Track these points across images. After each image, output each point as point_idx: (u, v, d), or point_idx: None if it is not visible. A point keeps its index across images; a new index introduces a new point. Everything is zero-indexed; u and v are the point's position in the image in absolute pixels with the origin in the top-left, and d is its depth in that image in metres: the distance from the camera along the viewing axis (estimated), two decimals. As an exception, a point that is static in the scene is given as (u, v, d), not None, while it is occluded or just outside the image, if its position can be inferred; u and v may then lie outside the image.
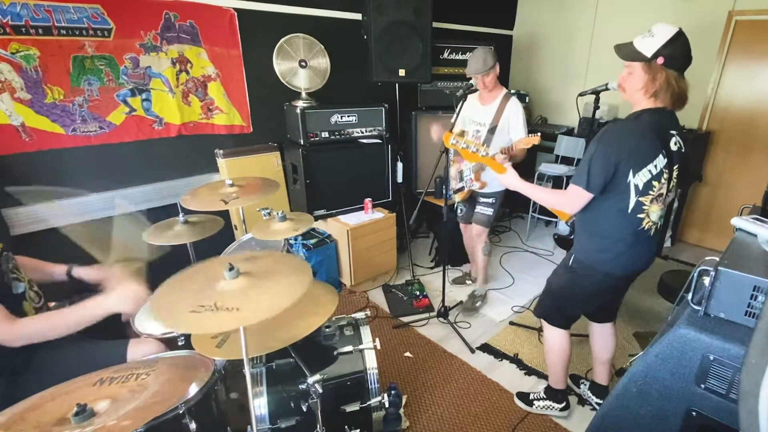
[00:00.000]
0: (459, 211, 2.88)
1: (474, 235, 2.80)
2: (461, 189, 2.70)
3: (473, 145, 1.86)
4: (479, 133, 2.59)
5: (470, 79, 2.43)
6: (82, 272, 1.62)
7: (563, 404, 1.98)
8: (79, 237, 1.65)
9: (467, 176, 2.62)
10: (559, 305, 1.78)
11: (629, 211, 1.48)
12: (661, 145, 1.44)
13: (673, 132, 1.50)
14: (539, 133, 2.21)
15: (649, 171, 1.43)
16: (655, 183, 1.46)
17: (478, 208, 2.69)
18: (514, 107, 2.49)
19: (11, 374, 1.36)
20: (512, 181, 1.75)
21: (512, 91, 2.60)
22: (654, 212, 1.52)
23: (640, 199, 1.47)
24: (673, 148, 1.49)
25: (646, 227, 1.53)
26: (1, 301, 1.30)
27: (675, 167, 1.53)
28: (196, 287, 1.15)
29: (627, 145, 1.41)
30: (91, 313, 1.37)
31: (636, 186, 1.44)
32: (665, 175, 1.48)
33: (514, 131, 2.50)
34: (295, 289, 1.10)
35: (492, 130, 2.53)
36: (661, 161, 1.44)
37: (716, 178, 3.72)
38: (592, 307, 1.84)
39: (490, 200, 2.64)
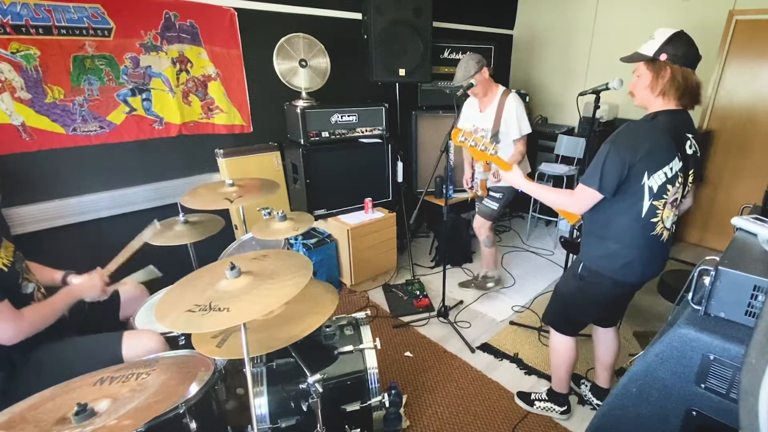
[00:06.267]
0: (478, 208, 2.91)
1: (475, 227, 2.84)
2: (472, 188, 2.75)
3: (482, 144, 1.83)
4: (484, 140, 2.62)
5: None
6: (74, 280, 1.64)
7: (564, 407, 1.97)
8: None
9: (476, 181, 2.67)
10: (567, 313, 1.76)
11: (643, 215, 1.43)
12: (676, 147, 1.41)
13: (689, 135, 1.47)
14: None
15: (665, 173, 1.40)
16: (669, 186, 1.42)
17: (485, 200, 2.73)
18: (509, 106, 2.49)
19: (10, 368, 1.37)
20: (517, 179, 1.72)
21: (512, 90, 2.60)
22: (668, 218, 1.48)
23: (654, 202, 1.42)
24: (689, 151, 1.47)
25: (659, 233, 1.48)
26: (11, 300, 1.31)
27: (690, 171, 1.51)
28: (202, 286, 1.16)
29: (642, 146, 1.36)
30: (64, 300, 1.48)
31: (650, 188, 1.40)
32: (680, 179, 1.44)
33: (511, 133, 2.51)
34: (289, 291, 1.10)
35: (494, 137, 2.56)
36: (676, 164, 1.41)
37: (717, 177, 3.72)
38: (600, 313, 1.81)
39: (498, 195, 2.68)
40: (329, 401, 1.47)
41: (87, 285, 1.56)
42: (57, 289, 1.63)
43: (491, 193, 2.70)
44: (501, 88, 2.56)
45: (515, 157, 2.51)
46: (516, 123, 2.48)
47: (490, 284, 3.05)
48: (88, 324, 1.68)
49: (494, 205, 2.70)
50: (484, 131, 2.61)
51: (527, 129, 2.51)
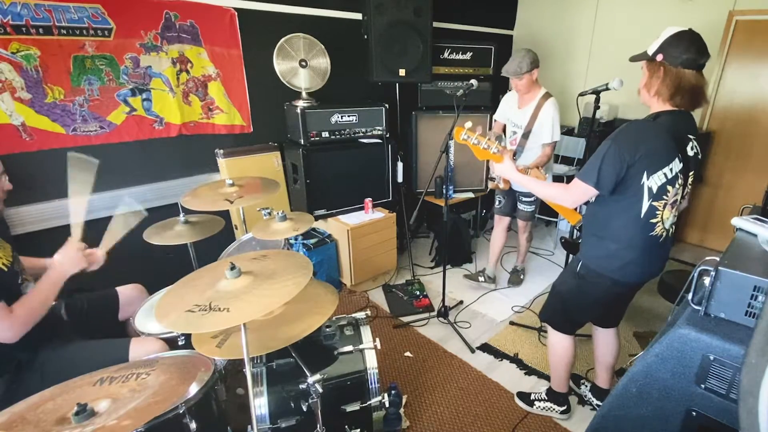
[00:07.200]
0: (497, 203, 2.98)
1: (520, 228, 3.03)
2: (494, 179, 2.77)
3: (484, 142, 1.82)
4: (515, 135, 2.71)
5: (471, 78, 2.44)
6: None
7: (564, 407, 1.97)
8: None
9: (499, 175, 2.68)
10: (565, 311, 1.75)
11: (642, 215, 1.43)
12: (677, 148, 1.41)
13: (691, 136, 1.47)
14: (547, 176, 2.10)
15: (664, 174, 1.39)
16: (669, 187, 1.42)
17: (521, 206, 2.87)
18: (546, 111, 2.55)
19: (16, 370, 1.37)
20: (508, 171, 1.74)
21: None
22: (667, 218, 1.48)
23: (654, 203, 1.42)
24: (690, 152, 1.46)
25: (658, 233, 1.48)
26: (13, 300, 1.31)
27: (690, 173, 1.50)
28: (202, 286, 1.16)
29: (643, 146, 1.36)
30: (50, 284, 1.42)
31: (650, 189, 1.40)
32: (680, 180, 1.44)
33: (543, 136, 2.56)
34: (289, 291, 1.10)
35: (526, 135, 2.63)
36: (676, 165, 1.41)
37: (717, 178, 3.72)
38: (599, 313, 1.81)
39: (531, 198, 2.81)
40: (329, 401, 1.47)
41: (65, 259, 1.47)
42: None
43: (524, 198, 2.82)
44: (542, 90, 2.62)
45: (541, 160, 2.57)
46: (550, 128, 2.54)
47: (522, 276, 3.27)
48: (88, 324, 1.68)
49: (531, 208, 2.86)
50: (518, 128, 2.68)
51: (558, 136, 2.57)
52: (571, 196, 1.53)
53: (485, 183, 3.71)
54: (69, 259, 1.48)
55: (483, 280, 3.14)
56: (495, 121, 2.95)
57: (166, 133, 2.52)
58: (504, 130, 2.90)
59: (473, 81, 2.37)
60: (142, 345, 1.50)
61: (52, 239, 2.18)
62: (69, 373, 1.17)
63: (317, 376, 1.36)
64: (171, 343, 1.58)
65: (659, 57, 1.40)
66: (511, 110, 2.76)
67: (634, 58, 1.50)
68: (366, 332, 1.66)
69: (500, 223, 3.02)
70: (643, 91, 1.49)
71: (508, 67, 2.53)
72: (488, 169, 2.95)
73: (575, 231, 2.00)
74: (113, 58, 2.24)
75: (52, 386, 1.10)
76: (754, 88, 3.38)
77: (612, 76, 2.06)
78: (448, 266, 3.17)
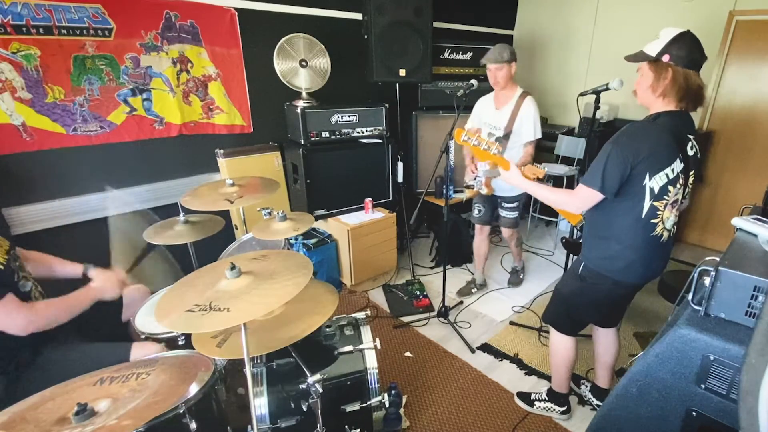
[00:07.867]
0: (477, 212, 2.88)
1: (506, 237, 2.98)
2: (472, 187, 2.72)
3: (485, 143, 1.82)
4: (492, 138, 2.62)
5: (471, 78, 2.43)
6: (94, 274, 1.65)
7: (564, 407, 1.97)
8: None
9: (479, 179, 2.61)
10: (567, 313, 1.76)
11: (643, 215, 1.44)
12: (678, 148, 1.41)
13: (690, 136, 1.47)
14: (545, 168, 2.06)
15: (666, 175, 1.40)
16: (670, 188, 1.42)
17: (504, 213, 2.80)
18: (526, 109, 2.52)
19: (16, 369, 1.37)
20: (515, 178, 1.73)
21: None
22: (668, 218, 1.48)
23: (655, 203, 1.43)
24: (690, 152, 1.47)
25: (659, 233, 1.48)
26: (16, 294, 1.32)
27: (691, 173, 1.51)
28: (202, 286, 1.16)
29: (645, 147, 1.37)
30: (83, 300, 1.49)
31: (651, 189, 1.40)
32: (681, 180, 1.45)
33: (525, 134, 2.53)
34: (289, 291, 1.10)
35: (506, 136, 2.57)
36: (678, 165, 1.41)
37: (717, 178, 3.72)
38: (601, 314, 1.81)
39: (513, 204, 2.75)
40: (329, 401, 1.47)
41: (107, 287, 1.58)
42: (58, 285, 1.64)
43: (506, 205, 2.76)
44: (520, 89, 2.59)
45: (525, 159, 2.53)
46: (531, 125, 2.51)
47: (521, 275, 3.27)
48: (89, 324, 1.68)
49: (514, 214, 2.79)
50: (497, 129, 2.62)
51: (539, 134, 2.54)
52: (577, 202, 1.53)
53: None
54: (111, 286, 1.59)
55: (475, 289, 3.11)
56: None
57: (167, 133, 2.52)
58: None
59: (473, 81, 2.37)
60: (144, 349, 1.50)
61: (52, 239, 2.20)
62: (71, 374, 1.16)
63: (317, 376, 1.36)
64: (171, 342, 1.58)
65: (665, 58, 1.39)
66: (487, 113, 2.69)
67: (633, 59, 1.49)
68: (366, 332, 1.66)
69: (481, 232, 2.94)
70: (646, 92, 1.47)
71: (489, 55, 2.50)
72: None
73: (575, 231, 2.00)
74: (113, 58, 2.24)
75: (52, 386, 1.10)
76: (754, 88, 3.38)
77: (612, 76, 2.06)
78: (448, 266, 3.17)
